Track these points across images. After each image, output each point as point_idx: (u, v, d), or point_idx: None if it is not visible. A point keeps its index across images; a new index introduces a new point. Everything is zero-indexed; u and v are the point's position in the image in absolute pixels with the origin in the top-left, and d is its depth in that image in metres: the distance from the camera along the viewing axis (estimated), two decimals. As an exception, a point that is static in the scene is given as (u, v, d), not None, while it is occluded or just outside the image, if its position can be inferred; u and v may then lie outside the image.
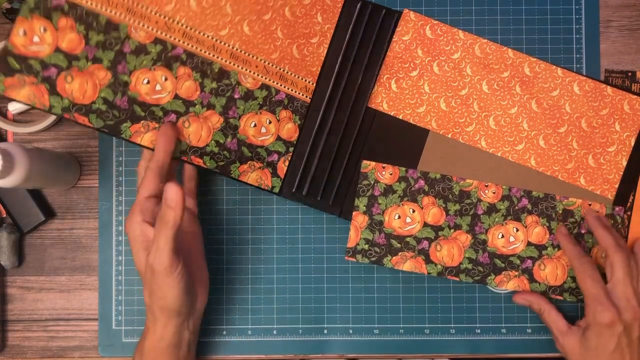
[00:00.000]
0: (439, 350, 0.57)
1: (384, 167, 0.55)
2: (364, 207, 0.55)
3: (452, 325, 0.57)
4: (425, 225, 0.55)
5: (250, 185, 0.54)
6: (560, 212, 0.55)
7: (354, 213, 0.55)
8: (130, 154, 0.57)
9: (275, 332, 0.57)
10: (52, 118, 0.56)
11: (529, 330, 0.57)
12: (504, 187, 0.55)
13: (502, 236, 0.55)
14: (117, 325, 0.57)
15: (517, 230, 0.55)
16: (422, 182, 0.55)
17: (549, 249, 0.55)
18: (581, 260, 0.51)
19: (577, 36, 0.58)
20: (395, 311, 0.57)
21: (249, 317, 0.57)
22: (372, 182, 0.55)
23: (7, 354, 0.57)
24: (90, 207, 0.58)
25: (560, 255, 0.55)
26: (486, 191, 0.55)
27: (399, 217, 0.55)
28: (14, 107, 0.57)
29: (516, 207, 0.55)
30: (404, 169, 0.55)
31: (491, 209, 0.55)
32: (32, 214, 0.56)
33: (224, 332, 0.57)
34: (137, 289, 0.57)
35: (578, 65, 0.58)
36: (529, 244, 0.55)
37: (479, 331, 0.57)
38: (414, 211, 0.55)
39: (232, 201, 0.57)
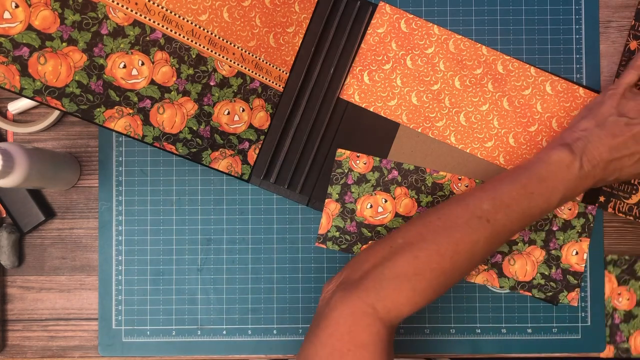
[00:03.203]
0: (439, 350, 0.57)
1: (358, 156, 0.55)
2: (337, 195, 0.55)
3: (453, 325, 0.57)
4: (397, 215, 0.55)
5: (221, 172, 0.54)
6: None
7: (326, 200, 0.55)
8: (130, 154, 0.57)
9: (275, 332, 0.57)
10: (52, 118, 0.56)
11: (529, 330, 0.57)
12: (477, 180, 0.55)
13: None
14: (117, 325, 0.57)
15: None
16: (395, 172, 0.55)
17: (519, 244, 0.55)
18: None
19: (577, 37, 0.58)
20: (395, 311, 0.57)
21: (249, 317, 0.57)
22: (345, 171, 0.55)
23: (7, 353, 0.57)
24: (90, 207, 0.58)
25: (530, 252, 0.55)
26: (459, 184, 0.56)
27: (371, 207, 0.55)
28: (14, 107, 0.57)
29: None
30: (378, 158, 0.55)
31: None
32: (32, 214, 0.56)
33: (224, 332, 0.57)
34: (137, 289, 0.57)
35: (578, 66, 0.58)
36: None
37: (479, 331, 0.57)
38: (386, 201, 0.55)
39: (232, 201, 0.57)
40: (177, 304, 0.57)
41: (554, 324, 0.57)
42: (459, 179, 0.56)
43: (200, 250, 0.57)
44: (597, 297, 0.57)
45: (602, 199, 0.57)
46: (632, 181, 0.57)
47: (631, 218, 0.57)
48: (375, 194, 0.56)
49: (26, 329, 0.57)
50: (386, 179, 0.56)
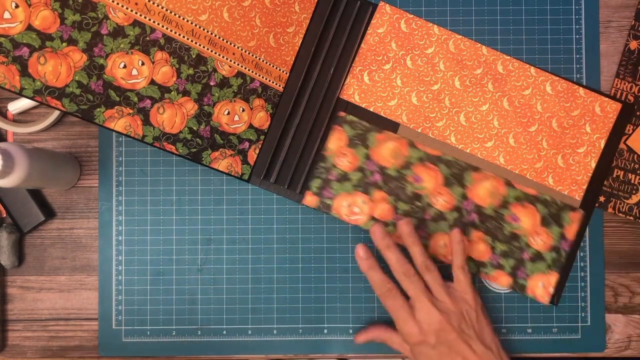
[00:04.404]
0: (439, 350, 0.57)
1: (344, 154, 0.55)
2: (316, 189, 0.55)
3: (452, 325, 0.57)
4: (373, 219, 0.55)
5: (221, 172, 0.54)
6: (507, 234, 0.55)
7: (305, 192, 0.56)
8: (130, 154, 0.57)
9: (275, 332, 0.57)
10: (52, 118, 0.56)
11: (529, 330, 0.57)
12: (457, 198, 0.55)
13: (445, 245, 0.55)
14: (117, 325, 0.57)
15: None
16: (378, 176, 0.55)
17: (487, 267, 0.55)
18: (388, 287, 0.52)
19: (577, 36, 0.58)
20: (395, 311, 0.57)
21: (249, 317, 0.57)
22: (329, 166, 0.55)
23: (7, 353, 0.57)
24: (90, 207, 0.58)
25: (497, 276, 0.55)
26: (438, 198, 0.55)
27: (349, 206, 0.55)
28: (14, 107, 0.57)
29: (464, 220, 0.55)
30: (362, 159, 0.55)
31: (439, 217, 0.55)
32: (32, 214, 0.56)
33: (224, 332, 0.57)
34: (137, 289, 0.57)
35: (578, 66, 0.58)
36: (470, 259, 0.56)
37: (479, 331, 0.57)
38: (364, 202, 0.55)
39: (232, 201, 0.57)
40: (177, 304, 0.57)
41: (554, 324, 0.57)
42: (439, 193, 0.55)
43: (200, 250, 0.57)
44: (597, 297, 0.57)
45: (602, 199, 0.57)
46: (632, 181, 0.57)
47: (631, 218, 0.57)
48: (354, 194, 0.56)
49: (26, 329, 0.57)
50: (368, 180, 0.55)
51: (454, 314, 0.50)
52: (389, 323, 0.57)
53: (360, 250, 0.52)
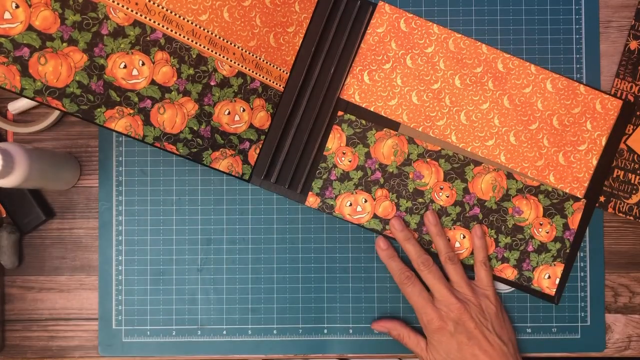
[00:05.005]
0: (439, 350, 0.57)
1: (344, 153, 0.55)
2: (318, 189, 0.55)
3: (452, 325, 0.57)
4: (375, 217, 0.55)
5: (221, 172, 0.54)
6: (510, 227, 0.55)
7: (307, 193, 0.56)
8: (130, 154, 0.57)
9: (275, 332, 0.57)
10: (52, 118, 0.56)
11: (529, 330, 0.57)
12: (458, 192, 0.55)
13: (448, 241, 0.55)
14: (117, 325, 0.57)
15: (464, 237, 0.55)
16: (379, 174, 0.55)
17: (492, 260, 0.55)
18: (406, 274, 0.53)
19: (577, 36, 0.58)
20: (395, 311, 0.57)
21: (248, 317, 0.57)
22: (329, 166, 0.55)
23: (7, 353, 0.57)
24: (90, 207, 0.58)
25: (502, 269, 0.55)
26: (440, 194, 0.55)
27: (350, 205, 0.55)
28: (14, 107, 0.57)
29: (467, 215, 0.55)
30: (363, 157, 0.55)
31: (442, 212, 0.55)
32: (32, 214, 0.56)
33: (224, 332, 0.57)
34: (137, 289, 0.57)
35: (578, 66, 0.58)
36: (472, 253, 0.56)
37: (479, 331, 0.57)
38: (365, 201, 0.55)
39: (232, 201, 0.57)
40: (177, 304, 0.57)
41: (554, 324, 0.57)
42: (441, 189, 0.55)
43: (200, 250, 0.57)
44: (596, 297, 0.57)
45: (602, 199, 0.57)
46: (632, 181, 0.57)
47: (631, 218, 0.57)
48: (356, 193, 0.56)
49: (26, 329, 0.57)
50: (369, 179, 0.56)
51: (474, 305, 0.51)
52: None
53: (381, 242, 0.55)
